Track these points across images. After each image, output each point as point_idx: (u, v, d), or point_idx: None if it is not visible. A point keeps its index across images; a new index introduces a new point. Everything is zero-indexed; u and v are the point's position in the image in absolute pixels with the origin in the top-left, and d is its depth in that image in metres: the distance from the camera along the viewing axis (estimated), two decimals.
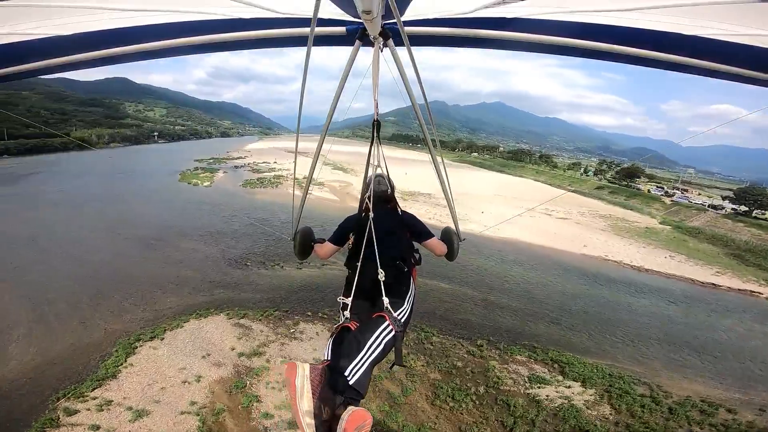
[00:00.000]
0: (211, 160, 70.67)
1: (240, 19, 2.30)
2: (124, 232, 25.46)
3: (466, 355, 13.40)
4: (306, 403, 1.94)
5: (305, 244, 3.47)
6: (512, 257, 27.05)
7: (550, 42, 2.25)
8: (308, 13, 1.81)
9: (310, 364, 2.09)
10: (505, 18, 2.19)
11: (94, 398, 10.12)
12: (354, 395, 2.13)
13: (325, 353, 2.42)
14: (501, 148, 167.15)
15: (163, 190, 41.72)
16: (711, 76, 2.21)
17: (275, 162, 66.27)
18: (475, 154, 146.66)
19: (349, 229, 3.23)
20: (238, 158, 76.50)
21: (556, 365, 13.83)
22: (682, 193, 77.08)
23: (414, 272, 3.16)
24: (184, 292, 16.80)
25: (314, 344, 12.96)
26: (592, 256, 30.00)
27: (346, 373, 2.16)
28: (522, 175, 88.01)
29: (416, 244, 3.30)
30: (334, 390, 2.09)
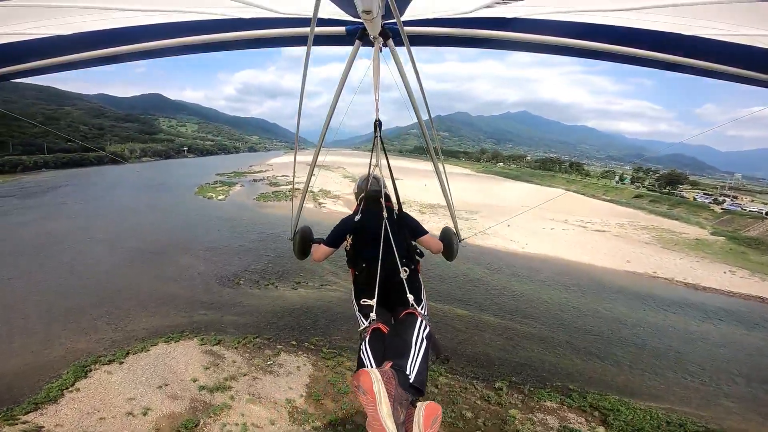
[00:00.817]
0: (232, 174, 71.57)
1: (240, 19, 2.29)
2: (128, 244, 24.78)
3: (479, 402, 10.61)
4: (385, 408, 1.84)
5: (304, 243, 3.48)
6: (544, 276, 23.74)
7: (549, 42, 2.25)
8: (308, 13, 1.85)
9: (378, 369, 2.01)
10: (504, 18, 2.17)
11: (25, 422, 8.84)
12: (417, 393, 2.09)
13: (365, 359, 2.35)
14: (528, 158, 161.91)
15: (179, 203, 41.50)
16: (709, 77, 2.18)
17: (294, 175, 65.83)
18: (501, 164, 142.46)
19: (346, 231, 3.18)
20: (259, 172, 76.90)
21: (596, 413, 10.82)
22: (732, 200, 70.90)
23: (419, 266, 3.19)
24: (163, 312, 15.14)
25: (291, 381, 10.66)
26: (637, 273, 26.21)
27: (408, 372, 2.12)
28: (551, 185, 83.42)
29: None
30: (405, 390, 2.00)
